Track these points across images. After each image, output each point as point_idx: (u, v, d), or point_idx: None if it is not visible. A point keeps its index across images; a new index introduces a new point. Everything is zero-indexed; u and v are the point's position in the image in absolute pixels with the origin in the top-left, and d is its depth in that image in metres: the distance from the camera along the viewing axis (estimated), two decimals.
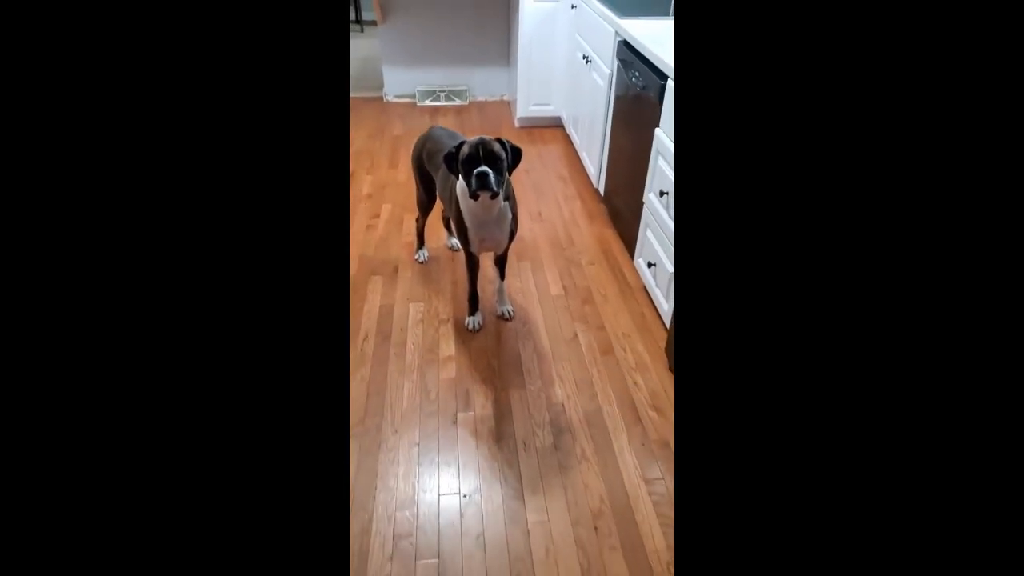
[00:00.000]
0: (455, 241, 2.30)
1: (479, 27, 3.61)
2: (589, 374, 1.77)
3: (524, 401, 1.67)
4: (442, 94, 3.76)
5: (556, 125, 3.41)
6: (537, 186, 2.81)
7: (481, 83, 3.82)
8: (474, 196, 1.58)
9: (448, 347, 1.85)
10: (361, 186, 2.75)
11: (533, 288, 2.13)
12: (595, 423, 1.60)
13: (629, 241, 2.23)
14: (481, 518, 1.35)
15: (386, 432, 1.56)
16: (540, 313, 2.01)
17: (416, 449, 1.52)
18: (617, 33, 2.19)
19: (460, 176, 1.60)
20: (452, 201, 1.74)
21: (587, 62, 2.65)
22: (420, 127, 3.33)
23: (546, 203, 2.67)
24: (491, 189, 1.53)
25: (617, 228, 2.43)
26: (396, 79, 3.72)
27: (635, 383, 1.74)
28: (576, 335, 1.92)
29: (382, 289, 2.09)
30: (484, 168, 1.51)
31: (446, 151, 1.61)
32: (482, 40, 3.66)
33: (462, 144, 1.57)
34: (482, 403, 1.66)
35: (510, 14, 3.49)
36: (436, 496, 1.40)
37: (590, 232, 2.47)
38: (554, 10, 3.03)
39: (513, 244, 1.87)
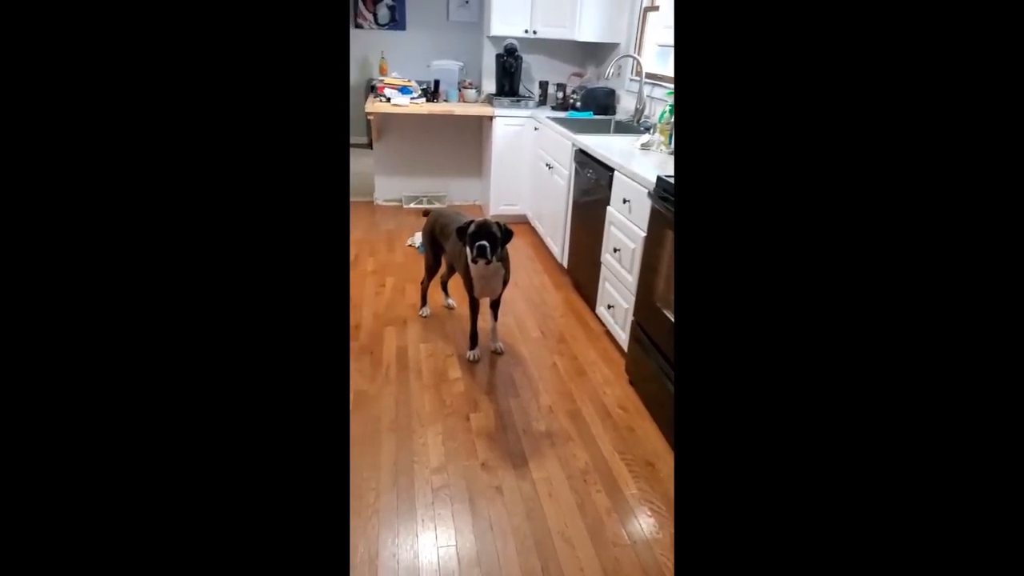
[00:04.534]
0: (451, 301, 2.84)
1: (456, 146, 4.41)
2: (568, 388, 2.27)
3: (520, 405, 2.14)
4: (424, 199, 4.46)
5: (523, 221, 4.12)
6: (512, 264, 3.42)
7: (457, 190, 4.55)
8: (474, 261, 2.16)
9: (455, 372, 2.32)
10: (366, 265, 3.29)
11: (517, 333, 2.66)
12: (576, 417, 2.09)
13: (590, 300, 2.82)
14: (498, 476, 1.78)
15: (415, 426, 1.98)
16: (525, 349, 2.53)
17: (440, 436, 1.94)
18: (574, 145, 2.94)
19: (466, 245, 2.18)
20: (462, 259, 2.31)
21: (549, 168, 3.39)
22: (409, 224, 3.96)
23: (520, 276, 3.28)
24: (486, 258, 2.12)
25: (580, 292, 3.04)
26: (386, 186, 4.42)
27: (604, 393, 2.24)
28: (555, 363, 2.43)
29: (396, 335, 2.57)
30: (483, 243, 2.12)
31: (459, 224, 2.21)
32: (458, 156, 4.45)
33: (471, 222, 2.17)
34: (487, 407, 2.12)
35: (483, 135, 4.31)
36: (461, 465, 1.82)
37: (558, 295, 3.07)
38: (520, 131, 3.85)
39: (503, 299, 2.43)
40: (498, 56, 3.99)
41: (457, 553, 1.51)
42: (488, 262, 2.14)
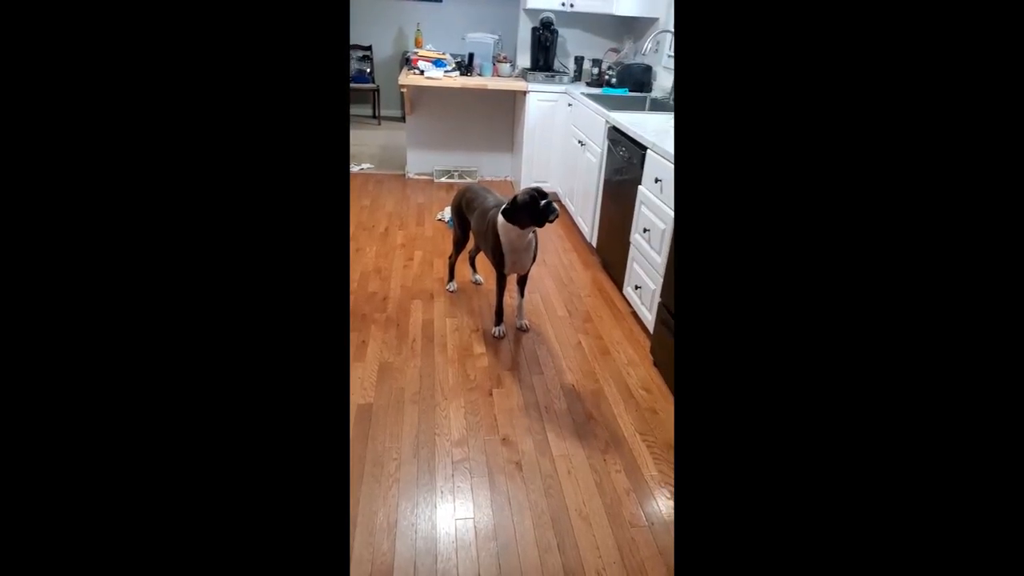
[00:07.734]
0: (478, 277, 2.85)
1: (488, 121, 4.36)
2: (592, 367, 2.26)
3: (543, 383, 2.14)
4: (456, 173, 4.44)
5: (553, 199, 4.07)
6: (540, 242, 3.39)
7: (488, 165, 4.53)
8: (540, 224, 2.16)
9: (480, 347, 2.33)
10: (396, 238, 3.31)
11: (543, 311, 2.66)
12: (599, 397, 2.08)
13: (618, 280, 2.79)
14: (518, 451, 1.79)
15: (438, 399, 2.01)
16: (550, 328, 2.52)
17: (463, 410, 1.96)
18: (607, 122, 2.88)
19: (528, 216, 2.15)
20: (490, 234, 2.30)
21: (581, 145, 3.34)
22: (439, 198, 3.97)
23: (548, 254, 3.26)
24: (555, 211, 2.14)
25: (608, 272, 3.01)
26: (417, 160, 4.42)
27: (628, 373, 2.23)
28: (580, 342, 2.42)
29: (422, 309, 2.59)
30: (550, 200, 2.13)
31: (503, 205, 2.22)
32: (491, 131, 4.41)
33: (530, 197, 2.14)
34: (510, 383, 2.13)
35: (515, 111, 4.25)
36: (481, 440, 1.84)
37: (586, 274, 3.04)
38: (553, 107, 3.79)
39: (529, 276, 2.42)
40: (534, 30, 3.91)
41: (474, 526, 1.53)
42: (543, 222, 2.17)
